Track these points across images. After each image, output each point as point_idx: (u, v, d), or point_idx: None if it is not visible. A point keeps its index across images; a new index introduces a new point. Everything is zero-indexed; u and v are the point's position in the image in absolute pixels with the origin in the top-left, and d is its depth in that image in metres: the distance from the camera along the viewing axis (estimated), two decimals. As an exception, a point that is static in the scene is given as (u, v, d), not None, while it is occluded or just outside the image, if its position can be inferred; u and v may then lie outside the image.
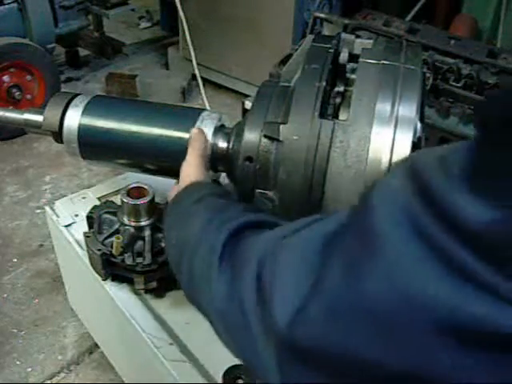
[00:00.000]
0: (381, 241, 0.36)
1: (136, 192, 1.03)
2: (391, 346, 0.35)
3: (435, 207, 0.34)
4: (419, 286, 0.33)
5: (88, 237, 1.06)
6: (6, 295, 1.73)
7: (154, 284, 1.06)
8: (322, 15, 2.37)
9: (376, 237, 0.36)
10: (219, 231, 0.57)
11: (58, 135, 1.05)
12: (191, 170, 0.84)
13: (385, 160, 0.73)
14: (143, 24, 3.69)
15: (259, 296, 0.45)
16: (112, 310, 1.10)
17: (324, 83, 0.79)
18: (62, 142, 1.07)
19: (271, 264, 0.46)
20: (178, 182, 0.84)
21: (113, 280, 1.10)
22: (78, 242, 1.19)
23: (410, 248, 0.34)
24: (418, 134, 0.76)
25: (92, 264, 1.08)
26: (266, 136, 0.82)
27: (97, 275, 1.09)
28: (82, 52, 3.17)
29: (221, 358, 0.95)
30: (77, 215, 1.25)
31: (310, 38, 0.91)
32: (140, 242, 1.03)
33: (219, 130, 0.97)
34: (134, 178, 1.14)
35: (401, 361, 0.34)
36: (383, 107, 0.74)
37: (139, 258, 1.03)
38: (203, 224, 0.62)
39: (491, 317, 0.31)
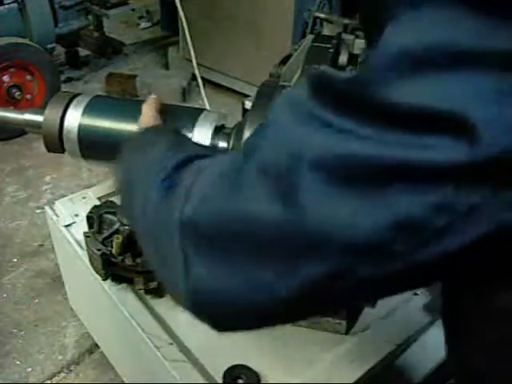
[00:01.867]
0: (270, 120, 0.43)
1: (136, 192, 1.03)
2: (285, 198, 0.39)
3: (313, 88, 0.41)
4: (298, 140, 0.40)
5: (88, 237, 1.06)
6: (5, 295, 1.73)
7: (154, 284, 1.06)
8: (322, 15, 2.36)
9: (269, 120, 0.44)
10: (174, 157, 0.57)
11: (50, 140, 1.04)
12: (149, 119, 0.84)
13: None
14: (143, 24, 3.69)
15: (180, 201, 0.48)
16: (112, 310, 1.10)
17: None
18: (52, 149, 1.07)
19: (197, 175, 0.49)
20: None
21: (113, 280, 1.09)
22: (78, 242, 1.19)
23: (287, 118, 0.41)
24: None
25: (92, 264, 1.08)
26: (266, 136, 0.82)
27: (97, 275, 1.09)
28: (82, 52, 3.17)
29: (221, 358, 0.96)
30: (77, 215, 1.25)
31: (309, 38, 0.92)
32: (140, 242, 1.03)
33: (219, 129, 0.97)
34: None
35: (297, 212, 0.39)
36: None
37: (139, 257, 1.03)
38: (161, 151, 0.61)
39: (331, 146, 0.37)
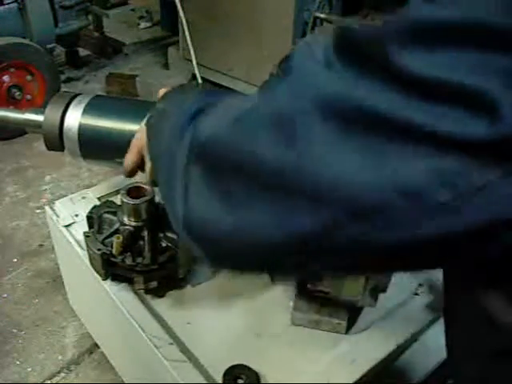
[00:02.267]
0: (290, 65, 0.42)
1: (136, 192, 1.03)
2: (289, 142, 0.39)
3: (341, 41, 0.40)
4: (314, 84, 0.39)
5: (88, 237, 1.06)
6: (6, 295, 1.73)
7: (154, 284, 1.06)
8: (322, 15, 2.37)
9: (289, 66, 0.42)
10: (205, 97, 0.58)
11: (51, 139, 1.05)
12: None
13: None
14: (143, 24, 3.69)
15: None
16: (112, 310, 1.10)
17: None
18: (52, 148, 1.07)
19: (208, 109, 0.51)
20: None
21: (113, 280, 1.09)
22: (78, 242, 1.19)
23: (310, 65, 0.40)
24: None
25: (92, 264, 1.08)
26: (266, 136, 0.82)
27: (97, 275, 1.09)
28: (82, 52, 3.17)
29: (221, 358, 0.96)
30: (77, 215, 1.25)
31: (310, 37, 0.91)
32: (140, 242, 1.03)
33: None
34: (134, 177, 1.14)
35: (299, 157, 0.38)
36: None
37: (139, 257, 1.03)
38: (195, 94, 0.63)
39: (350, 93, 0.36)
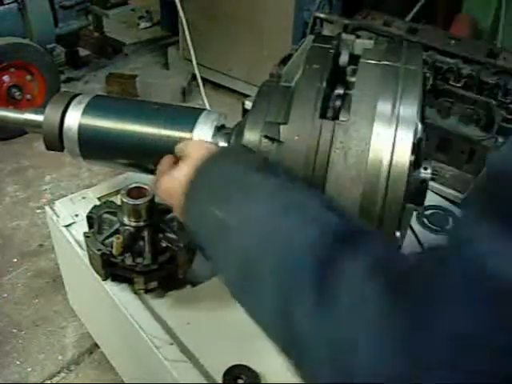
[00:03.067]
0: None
1: (136, 192, 1.03)
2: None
3: None
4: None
5: (88, 237, 1.06)
6: (6, 295, 1.73)
7: (154, 284, 1.06)
8: (322, 15, 2.36)
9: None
10: (309, 233, 0.45)
11: (50, 139, 1.05)
12: (201, 143, 0.78)
13: (385, 161, 0.73)
14: (143, 24, 3.69)
15: None
16: (112, 310, 1.10)
17: (324, 83, 0.79)
18: (52, 148, 1.07)
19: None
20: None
21: (113, 280, 1.09)
22: (78, 242, 1.19)
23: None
24: (418, 135, 0.76)
25: (92, 264, 1.08)
26: (266, 136, 0.82)
27: (97, 275, 1.09)
28: (82, 52, 3.17)
29: (221, 358, 0.96)
30: (77, 215, 1.25)
31: (310, 38, 0.91)
32: (140, 242, 1.03)
33: (219, 130, 0.97)
34: (134, 178, 1.14)
35: None
36: (384, 108, 0.74)
37: (139, 258, 1.03)
38: (274, 212, 0.50)
39: None
